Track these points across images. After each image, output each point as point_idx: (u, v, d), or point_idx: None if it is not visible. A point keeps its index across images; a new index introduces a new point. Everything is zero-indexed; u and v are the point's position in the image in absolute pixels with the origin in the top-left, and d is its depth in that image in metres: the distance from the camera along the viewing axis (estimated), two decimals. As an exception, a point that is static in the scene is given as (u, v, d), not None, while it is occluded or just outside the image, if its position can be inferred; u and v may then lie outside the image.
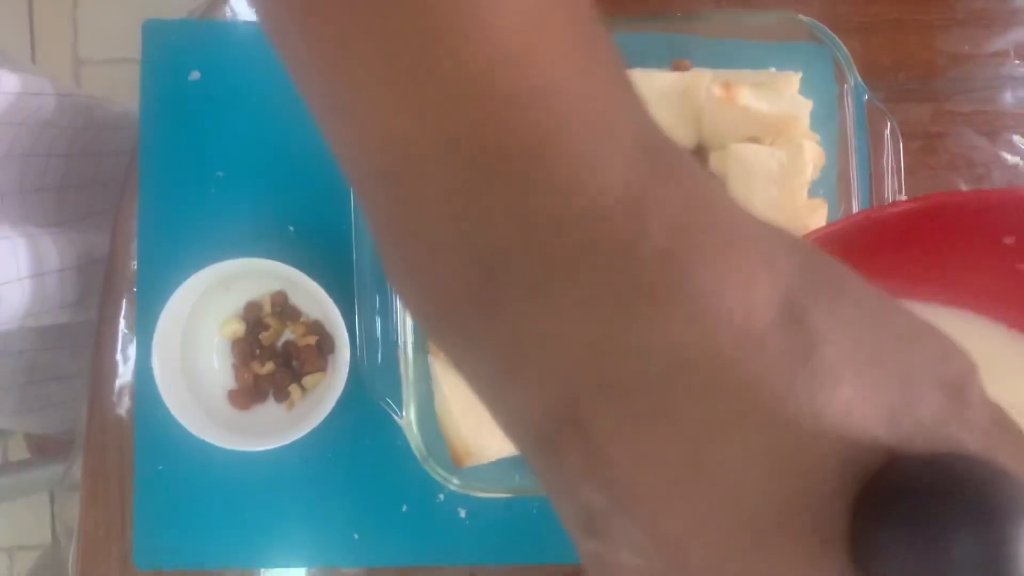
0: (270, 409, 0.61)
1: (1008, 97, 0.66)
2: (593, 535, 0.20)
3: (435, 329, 0.21)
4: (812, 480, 0.19)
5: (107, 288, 0.64)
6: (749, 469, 0.19)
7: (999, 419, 0.20)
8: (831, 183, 0.59)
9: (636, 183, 0.19)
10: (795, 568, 0.19)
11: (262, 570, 0.62)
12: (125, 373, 0.64)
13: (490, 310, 0.19)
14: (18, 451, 1.28)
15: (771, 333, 0.19)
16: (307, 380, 0.61)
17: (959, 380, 0.20)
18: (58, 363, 0.84)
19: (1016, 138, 0.65)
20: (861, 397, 0.19)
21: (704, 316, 0.18)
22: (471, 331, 0.20)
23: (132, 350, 0.64)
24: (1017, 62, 0.66)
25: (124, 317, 0.64)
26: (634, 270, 0.18)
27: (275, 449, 0.58)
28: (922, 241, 0.45)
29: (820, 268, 0.20)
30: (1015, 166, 0.65)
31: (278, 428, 0.59)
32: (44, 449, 1.22)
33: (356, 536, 0.62)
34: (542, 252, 0.19)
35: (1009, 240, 0.45)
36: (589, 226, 0.18)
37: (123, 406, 0.63)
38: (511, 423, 0.21)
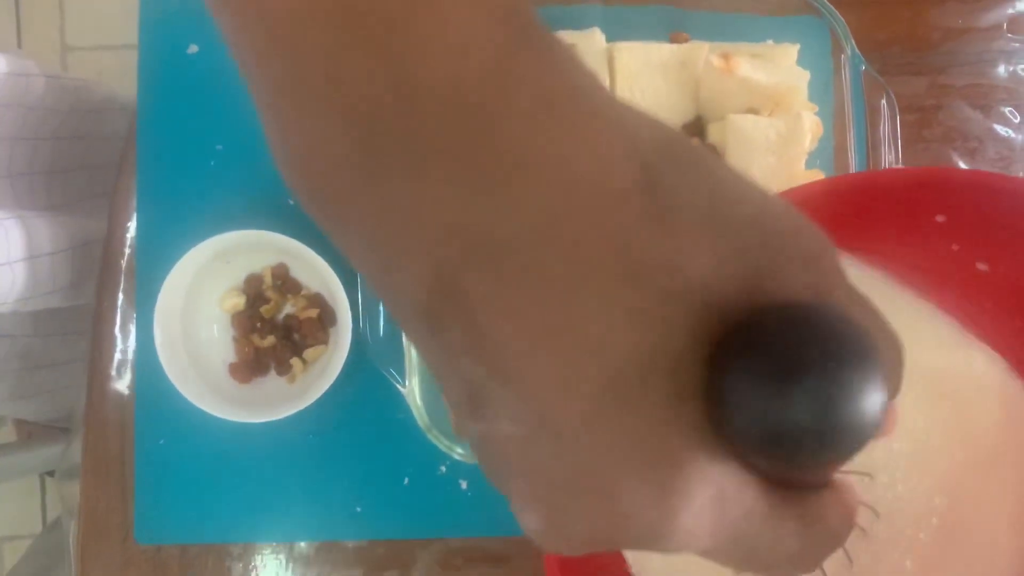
0: (272, 382, 0.61)
1: (1001, 70, 0.66)
2: (478, 413, 0.20)
3: (318, 205, 0.21)
4: (671, 335, 0.19)
5: (106, 263, 0.64)
6: (612, 325, 0.19)
7: (852, 289, 0.21)
8: (828, 154, 0.60)
9: (502, 48, 0.19)
10: (655, 423, 0.19)
11: (264, 544, 0.62)
12: (125, 348, 0.64)
13: (366, 178, 0.19)
14: (6, 437, 1.27)
15: (632, 194, 0.19)
16: (308, 353, 0.61)
17: (814, 253, 0.21)
18: (50, 349, 0.84)
19: (1009, 110, 0.66)
20: (719, 258, 0.20)
21: (569, 178, 0.19)
22: (350, 202, 0.20)
23: (132, 325, 0.63)
24: (1010, 36, 0.66)
25: (123, 292, 0.64)
26: (501, 135, 0.19)
27: (277, 422, 0.58)
28: (859, 216, 0.45)
29: (679, 143, 0.21)
30: (1008, 138, 0.66)
31: (280, 401, 0.59)
32: (35, 435, 1.21)
33: (358, 509, 0.62)
34: (412, 118, 0.19)
35: (941, 218, 0.45)
36: (456, 91, 0.19)
37: (123, 381, 0.63)
38: (396, 303, 0.21)
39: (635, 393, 0.19)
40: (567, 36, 0.59)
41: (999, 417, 0.48)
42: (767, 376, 0.18)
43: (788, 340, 0.18)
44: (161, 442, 0.62)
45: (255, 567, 0.62)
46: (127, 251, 0.64)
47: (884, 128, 0.58)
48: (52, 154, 0.72)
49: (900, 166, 0.58)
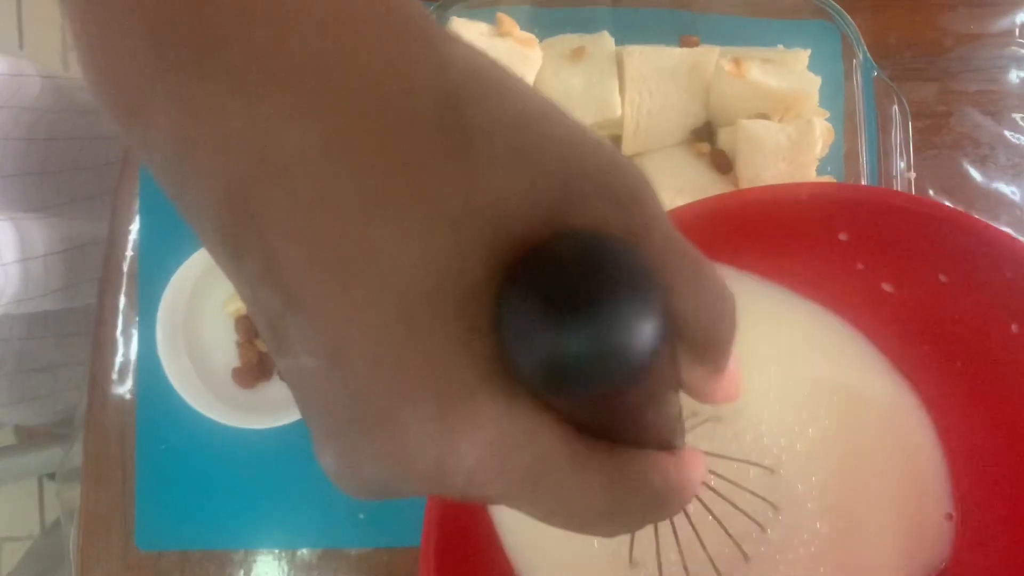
0: (274, 387, 0.61)
1: (1013, 77, 0.66)
2: (280, 347, 0.20)
3: (118, 112, 0.20)
4: (463, 266, 0.19)
5: (107, 266, 0.64)
6: (403, 253, 0.18)
7: (671, 232, 0.20)
8: (839, 160, 0.59)
9: None
10: (444, 355, 0.19)
11: (266, 550, 0.62)
12: (126, 352, 0.63)
13: (162, 87, 0.19)
14: (4, 439, 1.27)
15: (431, 116, 0.19)
16: (312, 358, 0.60)
17: (629, 191, 0.20)
18: (44, 352, 0.83)
19: (1020, 117, 0.65)
20: (518, 188, 0.19)
21: (365, 93, 0.18)
22: (148, 115, 0.19)
23: (133, 329, 0.63)
24: (1022, 42, 0.66)
25: (125, 295, 0.63)
26: (293, 40, 0.18)
27: (280, 428, 0.57)
28: (768, 231, 0.45)
29: (492, 68, 0.20)
30: (1019, 145, 0.65)
31: (283, 406, 0.58)
32: (32, 437, 1.21)
33: (361, 516, 0.62)
34: (203, 20, 0.18)
35: (844, 236, 0.45)
36: None
37: (124, 385, 0.63)
38: (199, 228, 0.20)
39: (425, 325, 0.18)
40: (576, 39, 0.59)
41: (886, 433, 0.48)
42: (541, 301, 0.18)
43: (560, 266, 0.18)
44: (162, 447, 0.61)
45: (257, 574, 0.61)
46: (129, 254, 0.64)
47: (896, 134, 0.57)
48: (47, 155, 0.72)
49: (912, 174, 0.57)
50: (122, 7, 0.18)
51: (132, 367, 0.62)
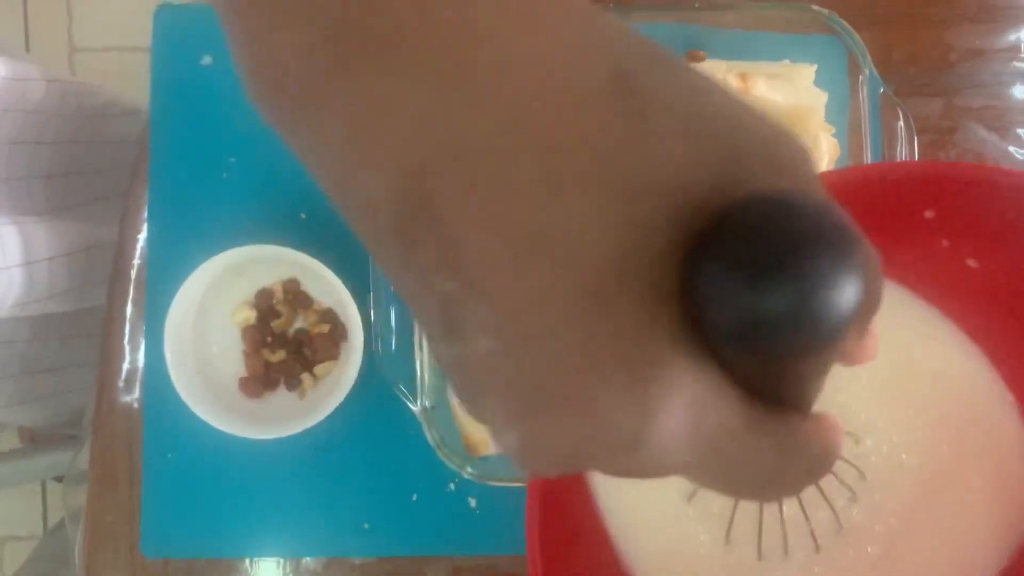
0: (282, 397, 0.61)
1: (1018, 92, 0.66)
2: (452, 333, 0.20)
3: (281, 110, 0.20)
4: (646, 236, 0.19)
5: (116, 273, 0.64)
6: (586, 228, 0.19)
7: (830, 199, 0.21)
8: (844, 175, 0.60)
9: None
10: (632, 327, 0.19)
11: (271, 559, 0.62)
12: (134, 360, 0.63)
13: (333, 79, 0.19)
14: (10, 442, 1.27)
15: (606, 94, 0.19)
16: (319, 368, 0.60)
17: (791, 161, 0.20)
18: (49, 355, 0.83)
19: (1025, 133, 0.66)
20: (693, 160, 0.19)
21: (542, 75, 0.19)
22: (314, 100, 0.19)
23: (141, 337, 0.63)
24: (1027, 57, 0.66)
25: (133, 303, 0.64)
26: (472, 27, 0.18)
27: (286, 438, 0.57)
28: (856, 211, 0.45)
29: (655, 47, 0.20)
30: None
31: (289, 416, 0.58)
32: (37, 440, 1.21)
33: (366, 525, 0.62)
34: (383, 14, 0.18)
35: (930, 214, 0.45)
36: None
37: (131, 393, 0.63)
38: (363, 221, 0.20)
39: (611, 297, 0.19)
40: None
41: (967, 408, 0.49)
42: (744, 263, 0.18)
43: (766, 226, 0.18)
44: (169, 455, 0.62)
45: (262, 582, 0.62)
46: (137, 262, 0.64)
47: (901, 150, 0.57)
48: (51, 158, 0.72)
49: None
50: (296, 7, 0.19)
51: (139, 375, 0.63)
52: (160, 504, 0.62)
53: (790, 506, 0.44)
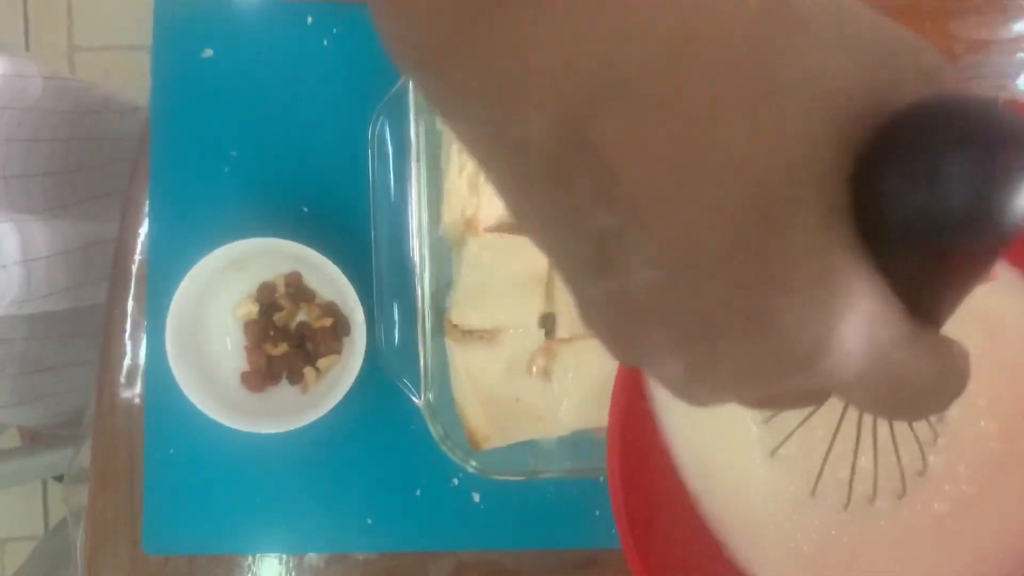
0: (284, 391, 0.61)
1: (1023, 83, 0.66)
2: (606, 268, 0.20)
3: (428, 63, 0.20)
4: (815, 149, 0.19)
5: (116, 269, 0.64)
6: (754, 145, 0.19)
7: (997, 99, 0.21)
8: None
9: None
10: (807, 239, 0.19)
11: (273, 555, 0.62)
12: (135, 356, 0.63)
13: (490, 17, 0.19)
14: (11, 442, 1.27)
15: (763, 12, 0.19)
16: (322, 363, 0.60)
17: (934, 69, 0.20)
18: (48, 353, 0.83)
19: (1031, 124, 0.65)
20: (852, 70, 0.19)
21: (698, 1, 0.19)
22: (469, 46, 0.19)
23: (142, 333, 0.63)
24: (1033, 48, 0.66)
25: (133, 299, 0.63)
26: None
27: (288, 432, 0.57)
28: None
29: None
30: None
31: (292, 411, 0.58)
32: (38, 439, 1.21)
33: (369, 521, 0.61)
34: None
35: None
36: None
37: (132, 389, 0.62)
38: (515, 165, 0.20)
39: (783, 212, 0.19)
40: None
41: None
42: (928, 161, 0.18)
43: (939, 127, 0.18)
44: (171, 451, 0.61)
45: (264, 579, 0.61)
46: (138, 257, 0.63)
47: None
48: (49, 156, 0.72)
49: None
50: None
51: (141, 371, 0.62)
52: (161, 501, 0.61)
53: (867, 456, 0.44)
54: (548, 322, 0.56)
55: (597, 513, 0.61)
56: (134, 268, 0.63)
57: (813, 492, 0.46)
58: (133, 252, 0.63)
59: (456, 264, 0.57)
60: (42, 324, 0.80)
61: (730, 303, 0.19)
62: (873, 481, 0.45)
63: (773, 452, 0.47)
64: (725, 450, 0.47)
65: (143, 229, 0.63)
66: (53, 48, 1.41)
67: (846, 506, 0.46)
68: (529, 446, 0.57)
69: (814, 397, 0.23)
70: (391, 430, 0.61)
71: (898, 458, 0.44)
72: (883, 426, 0.43)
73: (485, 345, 0.56)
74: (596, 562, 0.62)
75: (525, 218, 0.21)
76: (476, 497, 0.62)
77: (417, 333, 0.56)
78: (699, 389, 0.21)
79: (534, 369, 0.56)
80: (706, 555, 0.47)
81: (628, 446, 0.45)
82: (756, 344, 0.20)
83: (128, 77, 1.36)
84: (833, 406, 0.40)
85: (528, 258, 0.55)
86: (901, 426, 0.43)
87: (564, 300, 0.56)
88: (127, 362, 0.63)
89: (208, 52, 0.63)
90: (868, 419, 0.41)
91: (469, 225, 0.55)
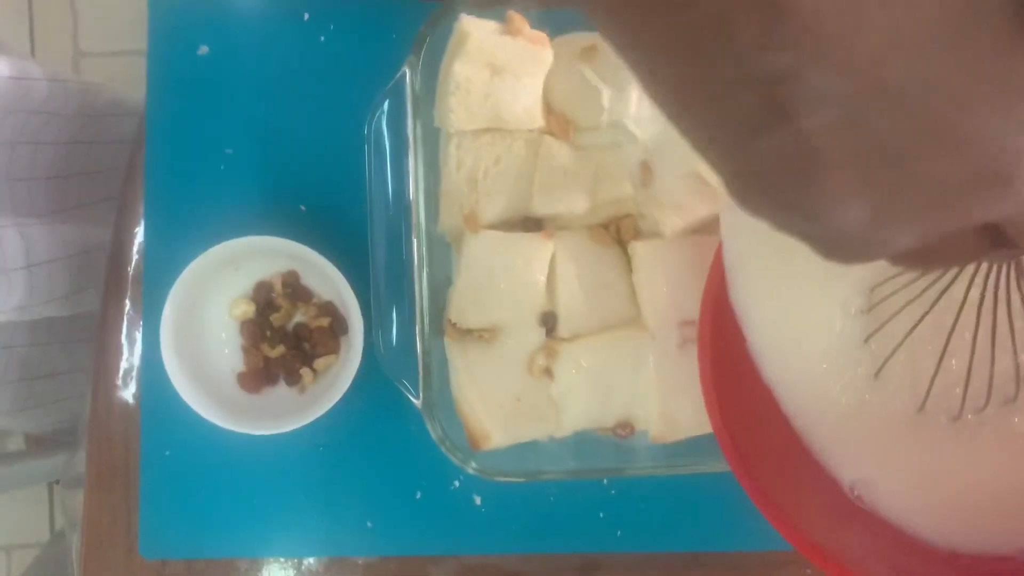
0: (281, 392, 0.60)
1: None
2: (776, 118, 0.20)
3: None
4: None
5: (112, 270, 0.63)
6: None
7: None
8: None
9: None
10: (994, 54, 0.19)
11: (271, 559, 0.61)
12: (131, 357, 0.62)
13: None
14: (15, 446, 1.26)
15: None
16: (319, 363, 0.59)
17: None
18: (49, 359, 0.83)
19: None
20: None
21: None
22: None
23: (138, 333, 0.62)
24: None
25: (129, 299, 0.62)
26: None
27: (286, 434, 0.56)
28: None
29: None
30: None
31: (289, 412, 0.57)
32: (41, 443, 1.20)
33: (369, 524, 0.60)
34: None
35: None
36: None
37: (128, 390, 0.62)
38: (678, 25, 0.20)
39: (968, 31, 0.18)
40: (587, 37, 0.58)
41: None
42: None
43: None
44: (167, 453, 0.60)
45: (262, 583, 0.60)
46: (135, 257, 0.63)
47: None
48: (54, 159, 0.71)
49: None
50: None
51: (136, 372, 0.62)
52: (158, 503, 0.60)
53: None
54: (549, 320, 0.55)
55: (600, 516, 0.60)
56: (130, 268, 0.63)
57: (922, 407, 0.46)
58: (129, 252, 0.63)
59: (455, 262, 0.56)
60: (44, 330, 0.79)
61: (924, 128, 0.19)
62: (988, 387, 0.44)
63: (877, 373, 0.46)
64: (827, 376, 0.47)
65: (138, 228, 0.62)
66: (58, 53, 1.41)
67: (956, 418, 0.45)
68: (530, 447, 0.56)
69: (981, 247, 0.22)
70: (390, 431, 0.60)
71: (1016, 359, 0.43)
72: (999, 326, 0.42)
73: (485, 344, 0.55)
74: (600, 566, 0.61)
75: (681, 91, 0.21)
76: (477, 500, 0.61)
77: (415, 332, 0.55)
78: (884, 230, 0.21)
79: (535, 368, 0.55)
80: (802, 466, 0.47)
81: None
82: (954, 162, 0.19)
83: (133, 82, 1.35)
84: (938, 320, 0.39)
85: (529, 254, 0.54)
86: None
87: (565, 298, 0.55)
88: (123, 363, 0.62)
89: (203, 49, 0.62)
90: (984, 322, 0.40)
91: (469, 221, 0.54)
